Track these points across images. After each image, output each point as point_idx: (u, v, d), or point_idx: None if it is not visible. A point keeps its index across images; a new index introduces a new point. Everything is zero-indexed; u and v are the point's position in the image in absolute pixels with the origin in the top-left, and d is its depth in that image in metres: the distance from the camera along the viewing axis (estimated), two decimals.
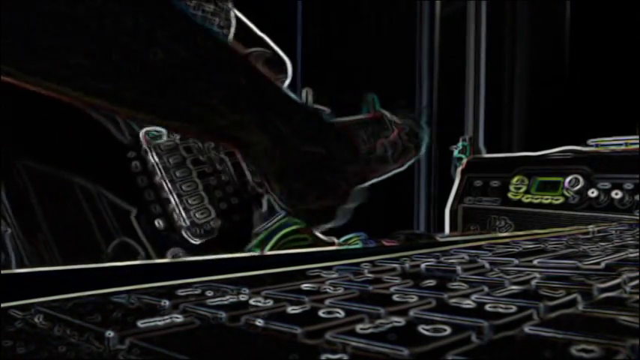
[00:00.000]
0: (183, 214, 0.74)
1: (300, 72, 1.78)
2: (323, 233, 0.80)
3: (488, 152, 1.62)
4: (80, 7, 0.43)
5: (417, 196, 1.91)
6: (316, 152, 0.58)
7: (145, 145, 0.75)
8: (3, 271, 0.32)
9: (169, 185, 0.75)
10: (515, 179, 1.27)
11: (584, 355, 0.17)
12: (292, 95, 0.65)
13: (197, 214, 0.75)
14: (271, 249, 0.74)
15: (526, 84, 1.79)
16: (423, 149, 0.99)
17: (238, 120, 0.54)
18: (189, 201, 0.75)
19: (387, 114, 0.94)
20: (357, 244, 0.77)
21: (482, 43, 1.77)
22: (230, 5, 0.79)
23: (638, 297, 0.25)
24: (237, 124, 0.54)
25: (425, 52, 1.90)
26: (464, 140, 1.57)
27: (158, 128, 0.76)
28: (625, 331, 0.20)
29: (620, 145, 1.22)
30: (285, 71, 0.84)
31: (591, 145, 1.28)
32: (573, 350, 0.18)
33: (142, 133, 0.76)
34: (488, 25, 1.78)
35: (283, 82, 0.84)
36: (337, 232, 0.86)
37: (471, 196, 1.34)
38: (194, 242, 0.74)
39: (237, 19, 0.80)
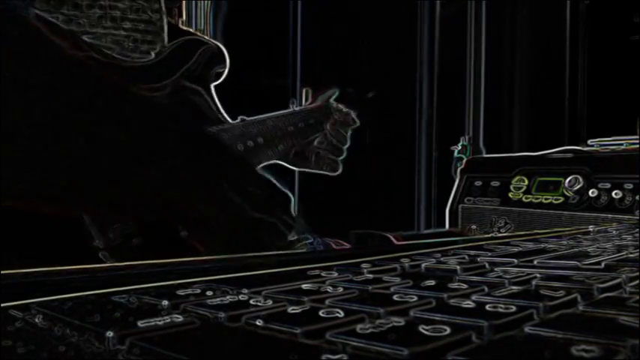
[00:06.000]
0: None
1: (300, 72, 1.78)
2: None
3: (488, 152, 1.62)
4: None
5: (417, 196, 1.91)
6: (263, 219, 0.56)
7: None
8: (3, 272, 0.32)
9: None
10: (515, 179, 1.27)
11: (584, 355, 0.17)
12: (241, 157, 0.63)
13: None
14: None
15: (526, 84, 1.79)
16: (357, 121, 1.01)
17: (193, 201, 0.52)
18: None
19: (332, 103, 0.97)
20: (302, 248, 0.70)
21: (482, 43, 1.77)
22: None
23: (638, 297, 0.25)
24: (190, 204, 0.52)
25: (425, 52, 1.90)
26: (464, 140, 1.57)
27: None
28: (625, 331, 0.20)
29: (620, 145, 1.22)
30: (224, 61, 0.82)
31: (591, 145, 1.28)
32: (573, 350, 0.18)
33: None
34: (488, 25, 1.78)
35: (222, 72, 0.82)
36: None
37: (470, 196, 1.34)
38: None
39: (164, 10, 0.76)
